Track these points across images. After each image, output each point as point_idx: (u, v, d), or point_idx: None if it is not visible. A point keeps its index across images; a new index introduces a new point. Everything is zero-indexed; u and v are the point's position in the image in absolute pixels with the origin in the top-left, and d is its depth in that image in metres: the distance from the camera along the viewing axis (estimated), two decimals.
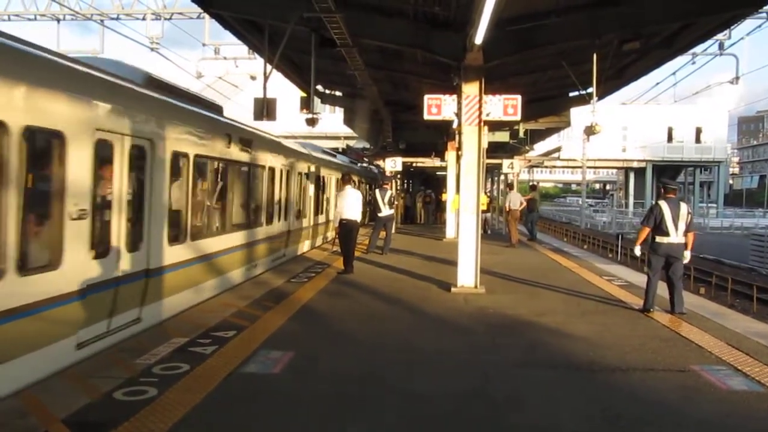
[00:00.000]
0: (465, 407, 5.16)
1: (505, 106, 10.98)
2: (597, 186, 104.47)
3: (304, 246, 17.18)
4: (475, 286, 10.42)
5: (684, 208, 8.82)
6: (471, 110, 10.44)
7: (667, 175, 57.75)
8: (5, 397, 4.99)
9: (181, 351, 6.38)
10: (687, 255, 8.81)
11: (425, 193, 33.51)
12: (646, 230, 8.93)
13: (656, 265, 8.89)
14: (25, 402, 4.82)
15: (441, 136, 21.67)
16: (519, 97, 11.14)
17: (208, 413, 4.79)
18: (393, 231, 17.38)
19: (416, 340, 7.34)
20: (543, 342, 7.28)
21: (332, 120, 33.20)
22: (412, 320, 8.55)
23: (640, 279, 11.88)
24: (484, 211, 14.23)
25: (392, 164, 23.82)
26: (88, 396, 4.99)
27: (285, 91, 20.60)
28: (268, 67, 12.97)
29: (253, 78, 24.70)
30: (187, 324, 7.56)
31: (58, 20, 24.13)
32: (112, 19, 23.65)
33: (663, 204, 8.81)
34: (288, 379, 5.70)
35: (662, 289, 9.05)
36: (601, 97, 15.46)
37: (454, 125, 13.47)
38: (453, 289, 10.39)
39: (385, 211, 16.10)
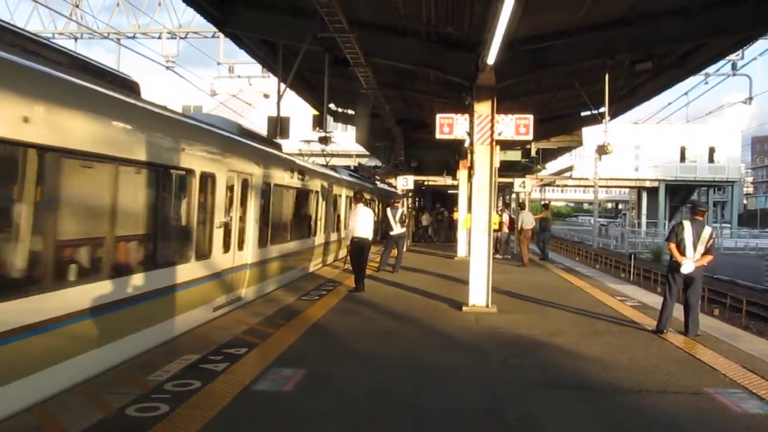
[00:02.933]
0: (477, 427, 5.14)
1: (517, 125, 11.03)
2: (609, 205, 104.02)
3: (316, 264, 17.20)
4: (487, 305, 10.39)
5: (707, 231, 8.75)
6: (483, 129, 10.48)
7: (680, 195, 57.53)
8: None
9: (193, 367, 6.40)
10: (692, 266, 8.61)
11: (438, 211, 33.49)
12: (673, 246, 8.88)
13: (675, 284, 8.83)
14: (40, 417, 4.85)
15: (453, 154, 21.74)
16: (531, 117, 11.18)
17: (219, 431, 4.79)
18: (404, 249, 17.38)
19: (427, 359, 7.31)
20: (555, 362, 7.24)
21: (344, 138, 33.38)
22: (423, 339, 8.53)
23: (653, 300, 11.81)
24: (495, 230, 14.21)
25: (404, 182, 23.88)
26: (101, 411, 5.02)
27: (297, 110, 20.79)
28: (282, 85, 13.09)
29: (266, 96, 24.96)
30: (198, 340, 7.58)
31: (76, 39, 24.55)
32: (129, 38, 24.02)
33: (686, 223, 8.78)
34: (299, 397, 5.70)
35: (675, 311, 8.99)
36: (613, 116, 15.47)
37: (466, 144, 13.53)
38: (464, 308, 10.36)
39: (397, 229, 16.12)
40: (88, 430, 4.62)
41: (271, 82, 20.75)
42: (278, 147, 13.93)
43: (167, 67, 22.47)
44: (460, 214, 20.99)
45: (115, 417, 4.94)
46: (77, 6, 23.25)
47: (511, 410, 5.60)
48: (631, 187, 66.68)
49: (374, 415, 5.34)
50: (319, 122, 17.71)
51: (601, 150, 13.58)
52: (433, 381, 6.44)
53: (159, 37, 23.91)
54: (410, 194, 28.25)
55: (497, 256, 20.09)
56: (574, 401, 5.87)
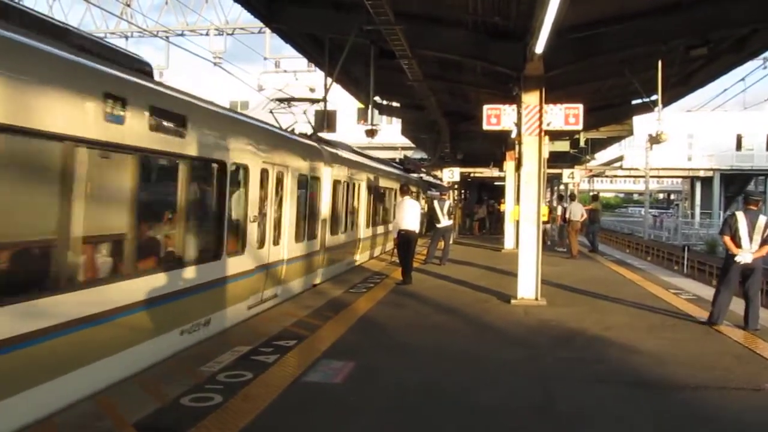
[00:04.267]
0: (528, 423, 5.08)
1: (566, 115, 10.82)
2: (660, 196, 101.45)
3: (363, 256, 17.28)
4: (536, 298, 10.25)
5: (762, 220, 8.46)
6: (531, 120, 10.32)
7: (735, 185, 55.67)
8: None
9: (245, 359, 6.49)
10: (749, 257, 8.38)
11: (488, 204, 33.17)
12: (727, 239, 8.62)
13: (731, 277, 8.56)
14: (101, 405, 4.99)
15: (499, 145, 21.50)
16: (581, 106, 10.96)
17: (271, 421, 4.85)
18: (451, 242, 17.30)
19: (476, 353, 7.26)
20: (608, 357, 7.10)
21: (390, 131, 33.36)
22: (471, 332, 8.48)
23: (709, 293, 11.44)
24: (544, 222, 14.05)
25: (450, 175, 23.75)
26: (157, 401, 5.13)
27: (343, 103, 20.86)
28: (329, 79, 13.15)
29: (311, 90, 25.10)
30: (249, 332, 7.69)
31: (127, 37, 25.13)
32: (177, 35, 24.47)
33: (740, 215, 8.51)
34: (350, 390, 5.72)
35: (733, 304, 8.72)
36: (666, 104, 15.04)
37: (513, 135, 13.36)
38: (513, 301, 10.25)
39: (444, 221, 16.04)
40: (146, 419, 4.73)
41: (317, 76, 20.87)
42: (326, 142, 14.05)
43: (215, 64, 22.82)
44: (507, 206, 20.79)
45: (170, 406, 5.05)
46: (128, 5, 23.79)
47: (562, 406, 5.51)
48: (683, 177, 64.83)
49: (424, 409, 5.32)
50: (363, 115, 17.79)
51: (654, 139, 13.26)
52: (483, 375, 6.39)
53: (207, 34, 24.31)
54: (455, 186, 28.10)
55: (560, 249, 19.85)
56: (628, 397, 5.74)
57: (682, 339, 7.98)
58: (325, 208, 12.84)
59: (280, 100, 13.10)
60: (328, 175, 12.94)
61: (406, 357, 7.00)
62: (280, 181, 10.30)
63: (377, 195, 18.35)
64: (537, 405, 5.49)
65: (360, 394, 5.62)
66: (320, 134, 13.55)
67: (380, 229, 19.24)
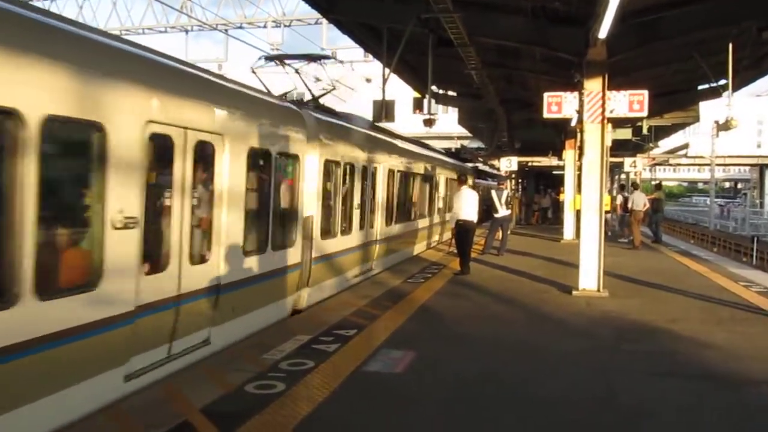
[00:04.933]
0: (590, 415, 4.98)
1: (630, 102, 10.54)
2: (726, 185, 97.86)
3: (420, 246, 17.27)
4: (598, 290, 10.04)
5: None
6: (594, 107, 10.07)
7: None
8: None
9: (306, 348, 6.58)
10: None
11: (550, 193, 32.58)
12: None
13: None
14: (167, 392, 5.15)
15: (558, 134, 21.12)
16: (646, 92, 10.66)
17: (333, 410, 4.90)
18: (509, 232, 17.10)
19: (537, 344, 7.17)
20: (674, 350, 6.89)
21: (446, 120, 33.14)
22: (531, 323, 8.37)
23: None
24: (605, 212, 13.74)
25: (507, 164, 23.44)
26: (222, 388, 5.25)
27: (399, 93, 20.82)
28: (386, 69, 13.14)
29: (368, 80, 25.16)
30: (309, 322, 7.79)
31: (187, 31, 25.68)
32: (236, 28, 24.85)
33: None
34: (410, 380, 5.73)
35: None
36: (736, 89, 14.46)
37: (574, 123, 13.08)
38: (574, 292, 10.06)
39: (502, 211, 15.86)
40: (211, 405, 4.85)
41: (373, 66, 20.92)
42: (384, 131, 14.09)
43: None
44: (567, 196, 20.41)
45: (235, 393, 5.16)
46: None
47: (626, 399, 5.38)
48: (752, 165, 62.36)
49: (483, 399, 5.29)
50: (419, 105, 17.70)
51: (724, 126, 12.77)
52: (542, 366, 6.31)
53: (264, 26, 24.62)
54: (513, 176, 27.73)
55: (622, 239, 19.40)
56: (695, 392, 5.56)
57: (754, 333, 7.68)
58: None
59: (272, 58, 11.31)
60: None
61: (465, 347, 6.97)
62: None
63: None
64: (599, 397, 5.39)
65: (420, 384, 5.63)
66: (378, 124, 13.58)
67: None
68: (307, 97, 11.55)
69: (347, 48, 24.91)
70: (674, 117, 22.01)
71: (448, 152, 26.41)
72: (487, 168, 37.63)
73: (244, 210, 7.24)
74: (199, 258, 6.50)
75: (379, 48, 13.03)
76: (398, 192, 14.09)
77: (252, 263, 7.50)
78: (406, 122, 28.15)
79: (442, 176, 19.50)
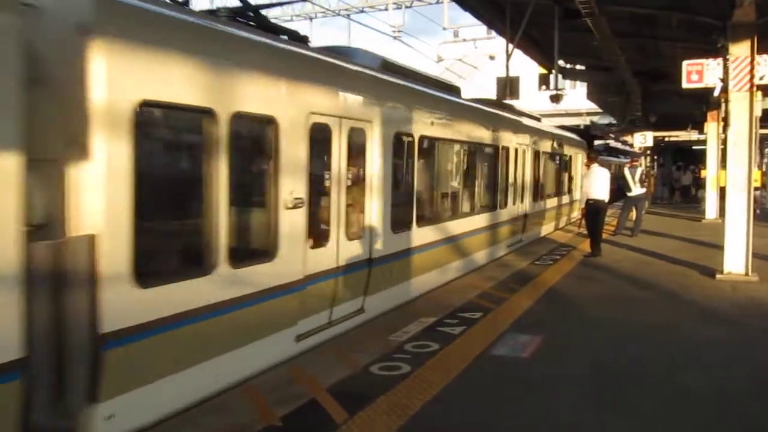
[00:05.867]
0: (737, 410, 4.57)
1: None
2: None
3: (548, 228, 16.76)
4: (746, 273, 9.25)
5: None
6: (741, 74, 9.22)
7: None
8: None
9: (431, 330, 6.54)
10: None
11: (692, 170, 30.42)
12: None
13: None
14: (295, 372, 5.29)
15: (698, 106, 19.66)
16: None
17: (458, 394, 4.83)
18: (644, 212, 16.17)
19: (676, 330, 6.71)
20: None
21: (574, 96, 31.77)
22: (669, 308, 7.84)
23: None
24: (754, 189, 12.61)
25: (641, 140, 22.17)
26: (348, 368, 5.33)
27: (524, 69, 20.20)
28: (509, 45, 12.75)
29: (491, 57, 24.63)
30: (434, 304, 7.75)
31: (311, 19, 26.25)
32: (358, 12, 25.10)
33: None
34: (538, 365, 5.55)
35: None
36: None
37: (716, 92, 12.09)
38: (718, 276, 9.34)
39: (636, 189, 14.99)
40: (337, 385, 4.93)
41: (497, 43, 20.42)
42: (513, 109, 13.86)
43: (394, 38, 23.15)
44: (709, 172, 19.01)
45: (361, 374, 5.22)
46: None
47: None
48: None
49: (618, 387, 5.01)
50: (545, 81, 17.08)
51: None
52: (683, 354, 5.90)
53: (385, 9, 24.66)
54: (648, 152, 26.21)
55: None
56: None
57: None
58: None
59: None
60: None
61: (597, 332, 6.64)
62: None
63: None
64: (747, 391, 4.94)
65: (549, 369, 5.43)
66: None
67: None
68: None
69: (471, 26, 24.52)
70: None
71: (585, 130, 25.46)
72: (619, 145, 35.88)
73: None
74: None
75: (501, 23, 12.65)
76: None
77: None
78: (532, 99, 27.37)
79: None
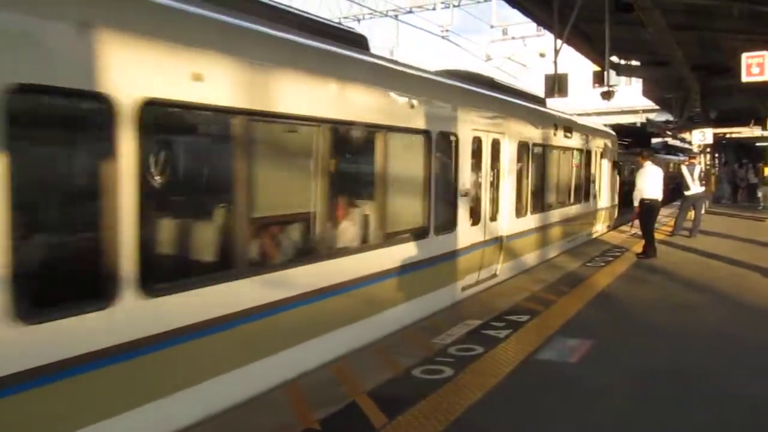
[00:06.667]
0: None
1: None
2: None
3: (598, 229, 16.33)
4: None
5: None
6: None
7: None
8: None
9: (475, 333, 6.40)
10: None
11: (755, 168, 29.15)
12: None
13: None
14: (338, 373, 5.24)
15: (762, 100, 18.83)
16: None
17: (502, 399, 4.69)
18: (703, 211, 15.58)
19: (735, 336, 6.39)
20: None
21: (628, 93, 30.97)
22: (728, 312, 7.49)
23: None
24: None
25: (701, 137, 21.38)
26: (390, 371, 5.25)
27: (575, 67, 19.74)
28: (558, 41, 12.46)
29: (542, 55, 24.14)
30: (480, 306, 7.60)
31: (359, 20, 26.25)
32: (406, 12, 24.98)
33: None
34: (587, 371, 5.34)
35: None
36: None
37: None
38: None
39: (694, 188, 14.43)
40: (379, 388, 4.85)
41: (547, 40, 19.98)
42: (542, 102, 13.59)
43: (442, 37, 22.97)
44: None
45: (402, 377, 5.13)
46: None
47: None
48: None
49: (671, 395, 4.77)
50: (599, 78, 16.65)
51: None
52: (742, 362, 5.60)
53: (433, 9, 24.47)
54: (708, 149, 25.24)
55: None
56: None
57: None
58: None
59: None
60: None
61: (650, 338, 6.38)
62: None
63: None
64: None
65: (598, 376, 5.22)
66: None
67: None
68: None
69: (520, 23, 24.10)
70: None
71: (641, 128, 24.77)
72: (677, 142, 34.80)
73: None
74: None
75: (550, 19, 12.36)
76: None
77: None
78: (583, 97, 26.78)
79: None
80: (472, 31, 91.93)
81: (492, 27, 24.10)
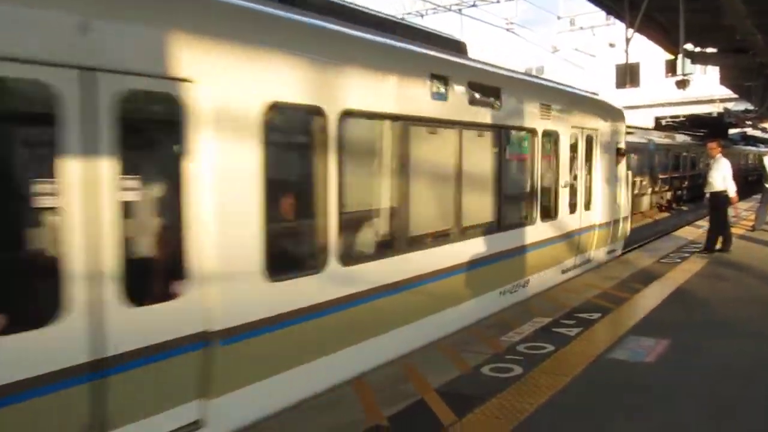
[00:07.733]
0: None
1: None
2: None
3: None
4: None
5: None
6: None
7: None
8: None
9: (545, 330, 6.29)
10: None
11: None
12: None
13: None
14: (405, 370, 5.24)
15: None
16: None
17: (573, 399, 4.58)
18: None
19: None
20: None
21: (704, 82, 29.73)
22: None
23: None
24: None
25: None
26: (458, 368, 5.21)
27: (648, 57, 19.11)
28: (629, 31, 12.06)
29: (611, 45, 23.50)
30: (549, 303, 7.46)
31: (422, 15, 26.15)
32: (469, 7, 24.73)
33: None
34: (663, 371, 5.15)
35: None
36: None
37: None
38: None
39: None
40: (447, 386, 4.83)
41: (617, 29, 19.43)
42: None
43: (507, 30, 22.65)
44: None
45: (471, 375, 5.09)
46: None
47: None
48: None
49: (754, 397, 4.56)
50: (672, 67, 16.06)
51: None
52: None
53: (497, 1, 24.15)
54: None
55: None
56: None
57: None
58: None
59: None
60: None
61: (729, 336, 6.11)
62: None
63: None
64: None
65: (675, 376, 5.03)
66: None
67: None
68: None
69: (588, 13, 23.54)
70: None
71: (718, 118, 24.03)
72: (758, 132, 33.34)
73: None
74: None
75: (620, 8, 11.98)
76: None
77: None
78: (656, 86, 25.86)
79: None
80: (538, 23, 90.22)
81: (558, 18, 23.61)
